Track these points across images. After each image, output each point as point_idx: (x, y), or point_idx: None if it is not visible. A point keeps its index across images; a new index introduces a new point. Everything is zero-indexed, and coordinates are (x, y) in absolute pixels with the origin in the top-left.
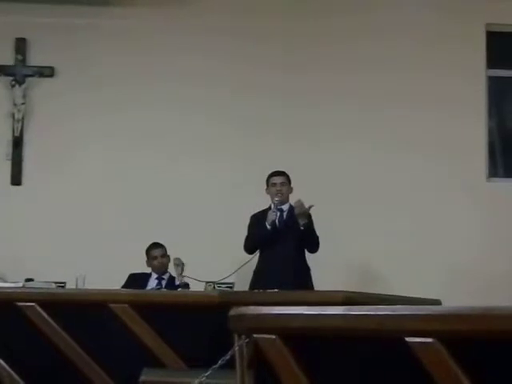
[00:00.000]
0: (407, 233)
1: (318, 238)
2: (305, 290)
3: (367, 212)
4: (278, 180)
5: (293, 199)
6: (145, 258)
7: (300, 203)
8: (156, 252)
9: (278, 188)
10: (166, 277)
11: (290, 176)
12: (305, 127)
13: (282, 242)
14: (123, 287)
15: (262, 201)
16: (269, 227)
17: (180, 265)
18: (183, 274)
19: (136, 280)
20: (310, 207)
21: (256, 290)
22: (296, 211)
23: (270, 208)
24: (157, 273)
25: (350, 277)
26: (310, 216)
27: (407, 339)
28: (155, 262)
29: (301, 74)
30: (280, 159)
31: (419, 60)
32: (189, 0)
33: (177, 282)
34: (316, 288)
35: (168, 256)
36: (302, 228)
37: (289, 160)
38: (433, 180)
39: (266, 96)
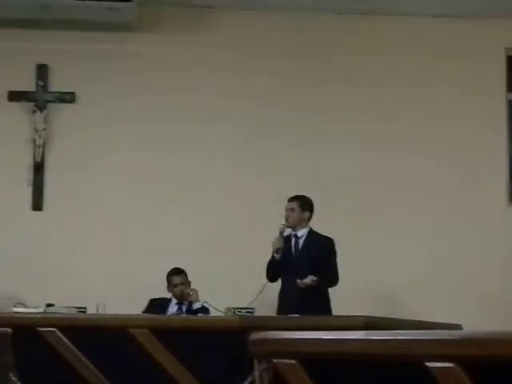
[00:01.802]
0: (429, 257)
1: (328, 280)
2: (325, 315)
3: (388, 236)
4: (287, 206)
5: (316, 224)
6: (165, 283)
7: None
8: (176, 280)
9: (287, 214)
10: (186, 302)
11: (309, 199)
12: (328, 141)
13: (299, 271)
14: (144, 312)
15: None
16: (276, 256)
17: (193, 294)
18: (200, 300)
19: (156, 305)
20: (312, 281)
21: (276, 315)
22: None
23: (282, 234)
24: (177, 299)
25: (371, 301)
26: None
27: (427, 364)
28: (175, 290)
29: (315, 86)
30: (303, 181)
31: (438, 82)
32: (211, 25)
33: (194, 306)
34: (336, 312)
35: (189, 282)
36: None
37: (312, 183)
38: (454, 204)
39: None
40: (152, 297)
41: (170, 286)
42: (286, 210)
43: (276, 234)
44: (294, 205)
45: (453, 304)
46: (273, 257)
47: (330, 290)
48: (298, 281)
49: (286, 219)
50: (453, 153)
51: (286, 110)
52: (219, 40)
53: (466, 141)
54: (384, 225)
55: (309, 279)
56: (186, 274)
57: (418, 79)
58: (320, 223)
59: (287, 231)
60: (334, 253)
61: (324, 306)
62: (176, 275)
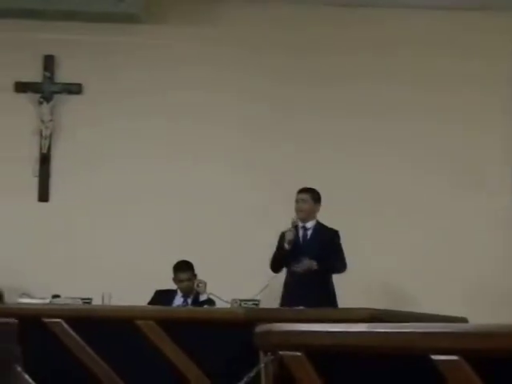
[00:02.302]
0: (433, 250)
1: (336, 263)
2: (330, 308)
3: (392, 229)
4: (300, 197)
5: (321, 218)
6: (171, 274)
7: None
8: (182, 276)
9: (299, 205)
10: (191, 295)
11: (318, 192)
12: (327, 142)
13: (306, 259)
14: (149, 304)
15: (290, 218)
16: (287, 246)
17: (202, 285)
18: (207, 291)
19: (162, 297)
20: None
21: (282, 307)
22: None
23: (296, 226)
24: (183, 293)
25: (376, 294)
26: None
27: (433, 357)
28: (181, 285)
29: (324, 87)
30: (308, 175)
31: (444, 78)
32: (216, 17)
33: (201, 298)
34: (341, 305)
35: (195, 275)
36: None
37: (316, 176)
38: (456, 198)
39: (297, 110)
40: (158, 288)
41: (176, 280)
42: (298, 200)
43: (288, 225)
44: (307, 196)
45: (455, 297)
46: (279, 248)
47: (336, 282)
48: (295, 266)
49: (299, 210)
50: (457, 149)
51: (286, 107)
52: (226, 32)
53: (470, 137)
54: (385, 218)
55: (307, 263)
56: (192, 267)
57: (421, 75)
58: (325, 219)
59: (310, 223)
60: (340, 243)
61: (329, 298)
62: (182, 271)
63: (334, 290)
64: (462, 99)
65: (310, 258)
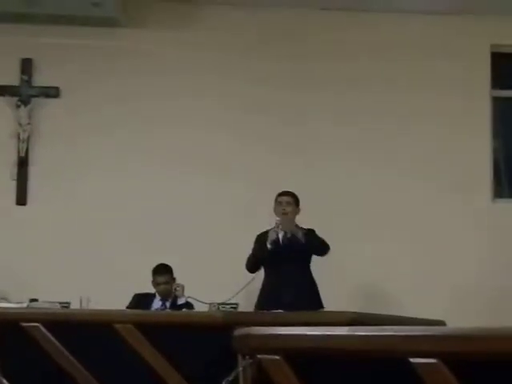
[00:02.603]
0: (412, 254)
1: (323, 240)
2: (311, 310)
3: (372, 234)
4: (283, 199)
5: (299, 221)
6: (150, 278)
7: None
8: (160, 279)
9: (283, 207)
10: (170, 298)
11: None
12: (310, 148)
13: (286, 260)
14: (128, 307)
15: (268, 221)
16: (269, 246)
17: (179, 289)
18: (185, 295)
19: (141, 300)
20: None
21: (260, 311)
22: (283, 225)
23: (279, 227)
24: (161, 296)
25: (355, 298)
26: (305, 230)
27: (412, 360)
28: (159, 288)
29: (308, 91)
30: (289, 180)
31: (424, 80)
32: (196, 21)
33: (179, 301)
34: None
35: (174, 278)
36: (303, 241)
37: (295, 180)
38: (438, 201)
39: (279, 116)
40: (137, 292)
41: (155, 283)
42: (282, 203)
43: (265, 228)
44: (290, 199)
45: (435, 300)
46: (256, 249)
47: (319, 285)
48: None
49: (284, 212)
50: (436, 149)
51: (270, 109)
52: (206, 36)
53: (450, 139)
54: (365, 222)
55: (295, 230)
56: (171, 270)
57: (401, 78)
58: (307, 222)
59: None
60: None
61: (311, 291)
62: (160, 275)
63: (317, 289)
64: (444, 103)
65: (289, 258)
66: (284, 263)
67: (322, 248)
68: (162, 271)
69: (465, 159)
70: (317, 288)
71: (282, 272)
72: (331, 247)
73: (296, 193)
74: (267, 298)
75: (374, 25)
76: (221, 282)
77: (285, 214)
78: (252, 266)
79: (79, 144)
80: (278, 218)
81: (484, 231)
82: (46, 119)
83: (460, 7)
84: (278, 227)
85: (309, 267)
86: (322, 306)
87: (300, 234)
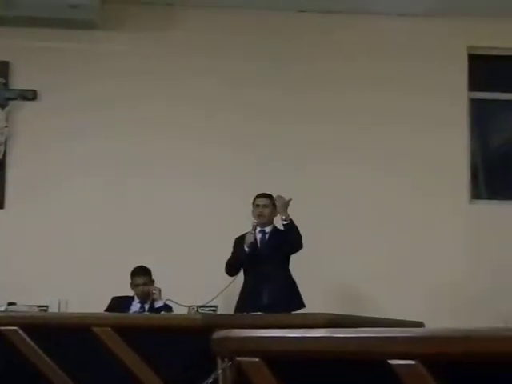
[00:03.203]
0: (389, 255)
1: (300, 236)
2: (292, 310)
3: (349, 234)
4: (260, 202)
5: (277, 222)
6: (129, 280)
7: (280, 197)
8: (138, 280)
9: (260, 210)
10: (148, 300)
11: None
12: (289, 145)
13: (264, 261)
14: (106, 310)
15: (247, 224)
16: (247, 249)
17: (156, 292)
18: (162, 298)
19: (119, 303)
20: (289, 200)
21: (239, 313)
22: (277, 203)
23: (255, 229)
24: (139, 298)
25: (332, 299)
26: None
27: (390, 362)
28: (137, 290)
29: (300, 94)
30: (267, 181)
31: (401, 82)
32: (174, 24)
33: (157, 304)
34: (300, 310)
35: (153, 281)
36: (284, 223)
37: (272, 181)
38: (416, 202)
39: (264, 117)
40: (115, 295)
41: (133, 285)
42: (259, 205)
43: (244, 231)
44: (268, 201)
45: (413, 301)
46: (235, 252)
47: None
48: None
49: (261, 214)
50: (415, 152)
51: (247, 112)
52: (184, 38)
53: (428, 140)
54: (342, 222)
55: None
56: (150, 272)
57: (378, 80)
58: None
59: (268, 227)
60: None
61: (291, 292)
62: (138, 276)
63: (297, 289)
64: (422, 104)
65: (268, 260)
66: (262, 265)
67: (295, 242)
68: (141, 273)
69: (442, 161)
70: (297, 287)
71: (261, 273)
72: (306, 248)
73: (276, 192)
74: (247, 300)
75: (351, 26)
76: (200, 284)
77: (261, 216)
78: (231, 269)
79: (57, 147)
80: (254, 220)
81: (461, 232)
82: (24, 122)
83: (436, 9)
84: (254, 230)
85: (288, 267)
86: (303, 305)
87: (284, 217)
